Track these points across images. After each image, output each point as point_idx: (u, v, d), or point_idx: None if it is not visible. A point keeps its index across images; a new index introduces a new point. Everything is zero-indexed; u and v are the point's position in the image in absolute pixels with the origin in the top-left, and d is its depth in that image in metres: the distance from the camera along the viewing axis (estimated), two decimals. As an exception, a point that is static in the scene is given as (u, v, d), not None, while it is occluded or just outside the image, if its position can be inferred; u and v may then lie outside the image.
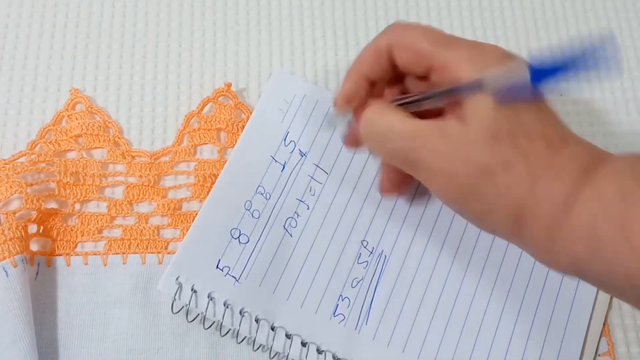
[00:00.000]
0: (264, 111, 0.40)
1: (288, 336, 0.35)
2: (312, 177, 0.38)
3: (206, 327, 0.35)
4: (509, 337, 0.36)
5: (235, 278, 0.36)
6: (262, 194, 0.38)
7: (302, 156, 0.39)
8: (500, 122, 0.28)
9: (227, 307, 0.35)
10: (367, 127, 0.32)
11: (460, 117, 0.29)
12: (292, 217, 0.37)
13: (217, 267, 0.36)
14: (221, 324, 0.35)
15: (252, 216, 0.37)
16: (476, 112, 0.28)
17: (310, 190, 0.38)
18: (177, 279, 0.35)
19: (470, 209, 0.30)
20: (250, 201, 0.37)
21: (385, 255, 0.37)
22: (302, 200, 0.38)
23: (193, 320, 0.35)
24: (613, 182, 0.26)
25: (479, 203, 0.29)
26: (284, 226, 0.37)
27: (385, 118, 0.31)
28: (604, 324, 0.37)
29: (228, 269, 0.36)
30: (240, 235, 0.37)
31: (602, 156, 0.28)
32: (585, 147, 0.29)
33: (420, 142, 0.29)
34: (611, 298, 0.38)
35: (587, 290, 0.37)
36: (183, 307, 0.35)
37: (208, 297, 0.35)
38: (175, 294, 0.35)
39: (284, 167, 0.38)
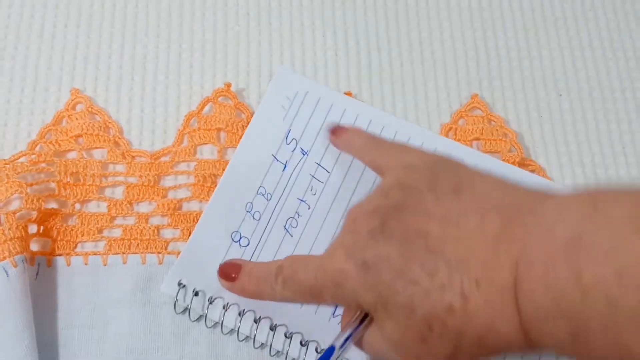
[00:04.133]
0: (266, 109, 0.40)
1: (287, 336, 0.35)
2: (313, 176, 0.38)
3: (209, 326, 0.35)
4: None
5: None
6: (263, 194, 0.38)
7: (304, 155, 0.39)
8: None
9: (227, 310, 0.35)
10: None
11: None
12: (293, 217, 0.37)
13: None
14: (222, 323, 0.35)
15: (253, 218, 0.37)
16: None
17: (312, 189, 0.38)
18: (179, 281, 0.35)
19: None
20: (252, 202, 0.38)
21: None
22: (303, 199, 0.38)
23: (196, 320, 0.35)
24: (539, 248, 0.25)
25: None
26: (285, 226, 0.37)
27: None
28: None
29: None
30: (240, 238, 0.37)
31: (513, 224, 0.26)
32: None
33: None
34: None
35: None
36: (186, 308, 0.35)
37: (209, 301, 0.35)
38: (177, 296, 0.35)
39: (285, 167, 0.38)
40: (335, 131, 0.39)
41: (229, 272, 0.34)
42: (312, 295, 0.31)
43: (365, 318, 0.30)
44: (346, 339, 0.30)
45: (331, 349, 0.30)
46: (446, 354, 0.28)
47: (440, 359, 0.28)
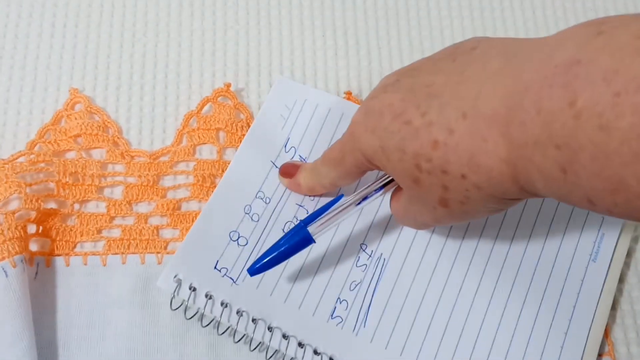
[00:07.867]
0: (265, 118, 0.40)
1: (285, 337, 0.34)
2: None
3: (204, 325, 0.35)
4: (509, 339, 0.36)
5: (232, 279, 0.36)
6: (261, 198, 0.38)
7: (303, 161, 0.39)
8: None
9: (225, 307, 0.35)
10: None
11: None
12: (292, 222, 0.37)
13: (215, 267, 0.36)
14: (219, 322, 0.35)
15: (252, 219, 0.37)
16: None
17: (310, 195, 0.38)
18: (175, 276, 0.35)
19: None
20: (250, 205, 0.37)
21: (384, 259, 0.37)
22: (302, 205, 0.38)
23: (191, 317, 0.35)
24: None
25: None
26: (283, 230, 0.37)
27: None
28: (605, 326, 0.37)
29: (226, 270, 0.36)
30: (239, 237, 0.37)
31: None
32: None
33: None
34: (613, 300, 0.38)
35: (590, 292, 0.37)
36: (182, 304, 0.35)
37: (206, 296, 0.35)
38: (174, 291, 0.35)
39: None
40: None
41: (291, 171, 0.37)
42: (338, 162, 0.34)
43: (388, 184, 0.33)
44: (358, 194, 0.33)
45: (340, 197, 0.34)
46: (438, 196, 0.28)
47: (433, 203, 0.29)
